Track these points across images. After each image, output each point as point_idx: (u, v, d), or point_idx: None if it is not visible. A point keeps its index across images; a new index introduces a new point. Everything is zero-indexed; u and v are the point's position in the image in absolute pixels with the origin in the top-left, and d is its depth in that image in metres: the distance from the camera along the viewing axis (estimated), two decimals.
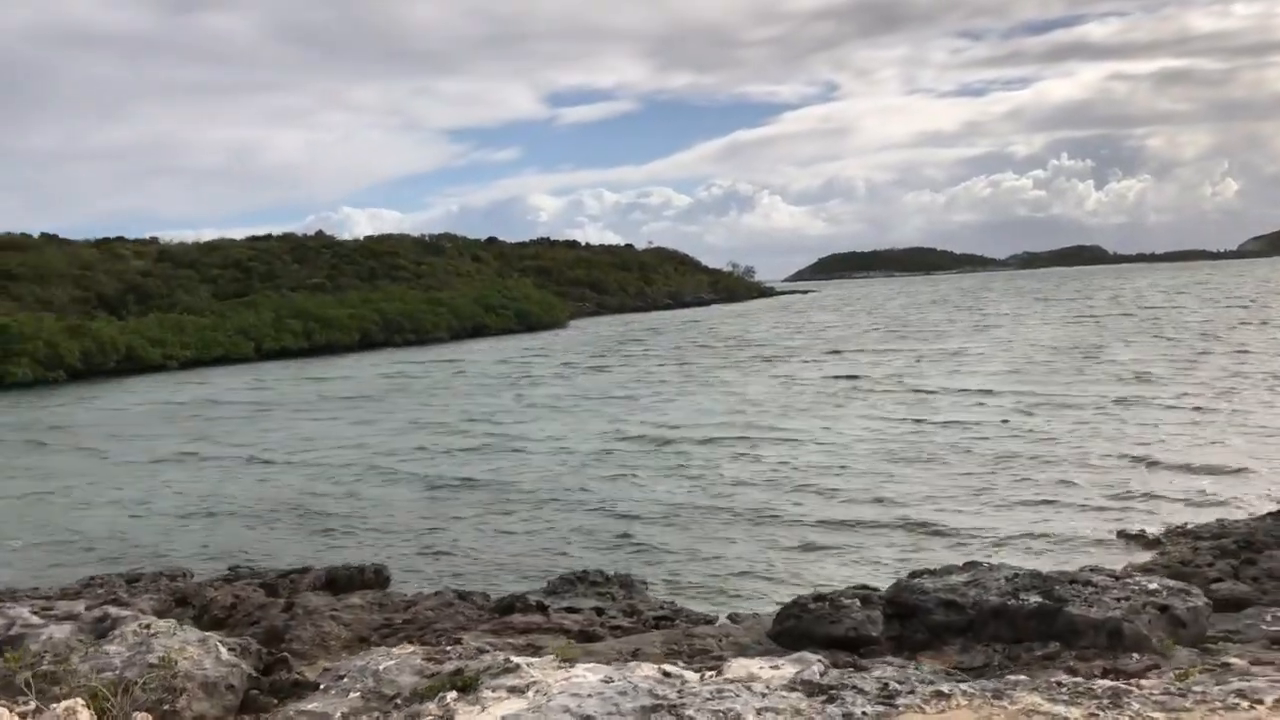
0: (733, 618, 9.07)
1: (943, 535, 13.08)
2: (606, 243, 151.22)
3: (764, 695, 5.67)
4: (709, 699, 5.62)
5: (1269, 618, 7.92)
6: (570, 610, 9.50)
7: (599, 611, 9.55)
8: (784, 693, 5.71)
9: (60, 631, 7.50)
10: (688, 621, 8.95)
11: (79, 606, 8.40)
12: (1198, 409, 22.24)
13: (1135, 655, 7.02)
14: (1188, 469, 15.91)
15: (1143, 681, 5.91)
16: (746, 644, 8.03)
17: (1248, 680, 5.78)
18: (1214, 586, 8.93)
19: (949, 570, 8.63)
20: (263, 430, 28.31)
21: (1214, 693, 5.50)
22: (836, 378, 33.85)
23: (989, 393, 27.09)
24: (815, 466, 18.50)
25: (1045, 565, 10.91)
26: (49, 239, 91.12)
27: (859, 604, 7.96)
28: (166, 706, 6.20)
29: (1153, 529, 12.11)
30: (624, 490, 17.31)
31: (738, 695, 5.63)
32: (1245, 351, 34.73)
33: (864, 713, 5.47)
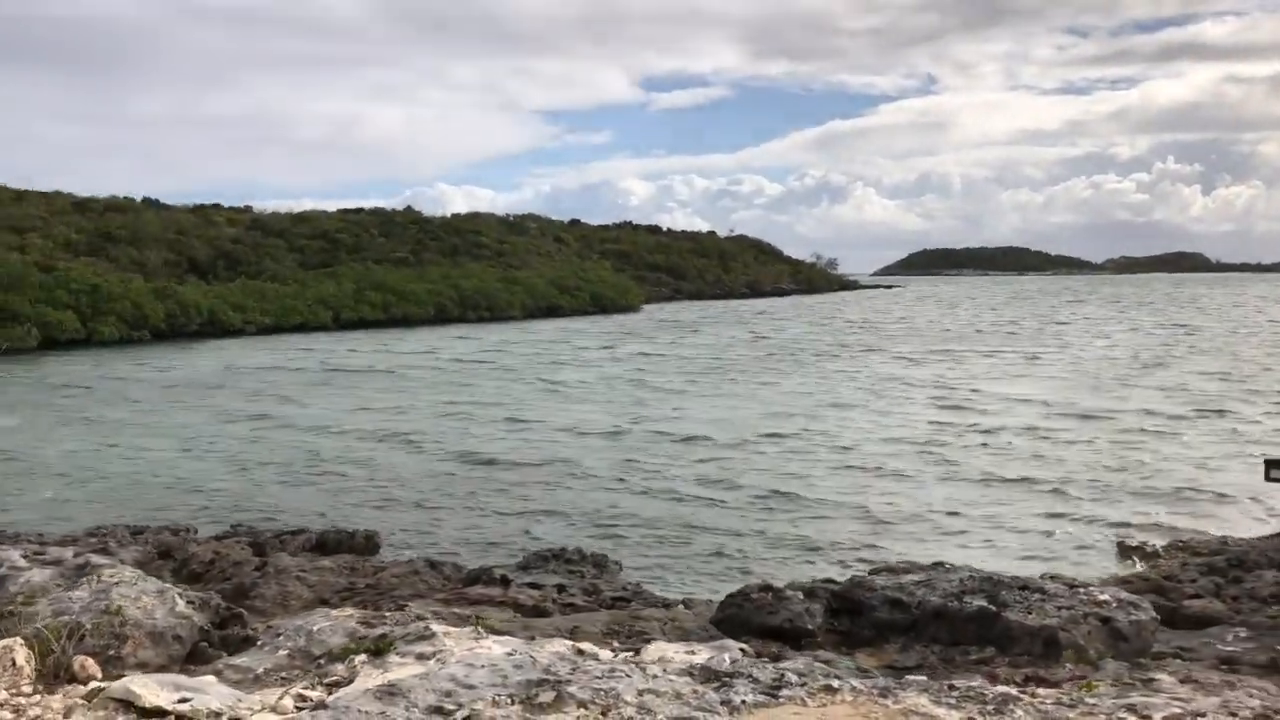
0: (686, 603, 9.18)
1: (941, 537, 12.98)
2: (694, 228, 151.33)
3: (655, 678, 5.79)
4: (599, 678, 5.76)
5: (1230, 637, 7.78)
6: (533, 586, 9.71)
7: (561, 589, 9.74)
8: (673, 676, 5.82)
9: (40, 575, 7.92)
10: (644, 604, 9.08)
11: (67, 553, 8.81)
12: (1234, 430, 21.61)
13: (1068, 665, 6.97)
14: (1211, 487, 15.52)
15: (1040, 690, 5.87)
16: (690, 629, 8.15)
17: (1150, 696, 5.72)
18: (1186, 603, 8.78)
19: (908, 569, 8.63)
20: (323, 398, 29.13)
21: (1105, 705, 5.46)
22: (883, 379, 33.40)
23: (1030, 401, 26.50)
24: (824, 463, 18.43)
25: (1034, 571, 10.80)
26: (149, 203, 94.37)
27: (801, 596, 8.02)
28: (112, 652, 6.54)
29: (1157, 542, 11.86)
30: (632, 475, 17.47)
31: (627, 676, 5.76)
32: None
33: (743, 701, 5.56)
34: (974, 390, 28.84)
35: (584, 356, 42.12)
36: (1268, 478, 8.06)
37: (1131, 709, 5.55)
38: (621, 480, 17.02)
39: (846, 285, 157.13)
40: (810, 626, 7.73)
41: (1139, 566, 10.67)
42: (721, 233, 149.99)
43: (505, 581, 9.79)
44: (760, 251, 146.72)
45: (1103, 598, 7.59)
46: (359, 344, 49.14)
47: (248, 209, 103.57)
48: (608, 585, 10.16)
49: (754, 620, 7.86)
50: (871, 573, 8.77)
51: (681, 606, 8.75)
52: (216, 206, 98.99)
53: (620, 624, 8.02)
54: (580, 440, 21.44)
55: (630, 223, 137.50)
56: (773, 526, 13.88)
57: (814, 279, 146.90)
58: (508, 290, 72.17)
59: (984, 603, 7.49)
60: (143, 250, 74.78)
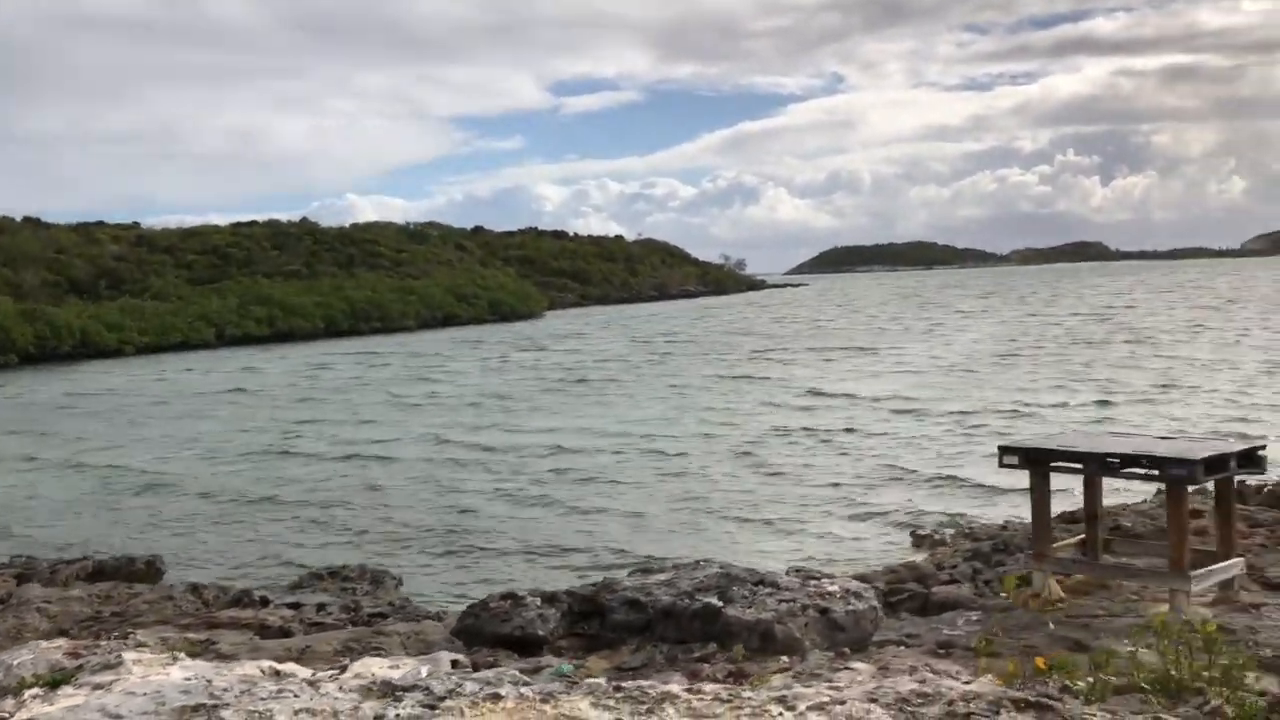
0: (439, 615, 8.95)
1: (746, 535, 12.95)
2: (610, 232, 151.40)
3: (324, 696, 5.52)
4: (264, 699, 5.46)
5: (960, 622, 7.76)
6: (292, 606, 9.37)
7: (321, 607, 9.42)
8: (344, 694, 5.56)
9: None
10: (404, 618, 8.82)
11: None
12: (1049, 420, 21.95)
13: (784, 658, 6.90)
14: (1015, 480, 15.70)
15: (706, 686, 5.77)
16: (434, 641, 7.88)
17: (807, 687, 5.65)
18: (936, 589, 8.78)
19: (660, 568, 8.49)
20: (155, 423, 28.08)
21: (759, 699, 5.34)
22: (736, 378, 33.12)
23: (869, 398, 26.40)
24: (642, 468, 18.17)
25: (816, 563, 10.79)
26: (29, 221, 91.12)
27: (539, 603, 7.81)
28: None
29: (949, 530, 11.95)
30: (437, 491, 17.06)
31: (295, 696, 5.47)
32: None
33: (397, 715, 5.33)
34: (818, 391, 28.41)
35: (450, 368, 41.32)
36: (1001, 464, 8.09)
37: (781, 700, 5.45)
38: (424, 497, 16.56)
39: (754, 285, 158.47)
40: (542, 633, 7.53)
41: (923, 555, 10.72)
42: (635, 236, 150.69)
43: (264, 603, 9.44)
44: (668, 254, 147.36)
45: (830, 589, 7.51)
46: (212, 362, 47.65)
47: (135, 225, 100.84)
48: (373, 602, 9.85)
49: (487, 629, 7.65)
50: (630, 573, 8.63)
51: (433, 620, 8.52)
52: (101, 224, 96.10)
53: (359, 641, 7.73)
54: (391, 455, 20.69)
55: (535, 228, 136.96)
56: (571, 534, 13.62)
57: (722, 280, 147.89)
58: (401, 300, 71.23)
59: (711, 599, 7.38)
60: (19, 271, 72.24)
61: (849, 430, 21.28)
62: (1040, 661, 5.34)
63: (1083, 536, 8.82)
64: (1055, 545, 8.79)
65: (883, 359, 38.33)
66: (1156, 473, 7.53)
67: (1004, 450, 8.25)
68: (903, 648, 7.20)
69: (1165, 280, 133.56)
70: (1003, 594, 8.11)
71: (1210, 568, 7.65)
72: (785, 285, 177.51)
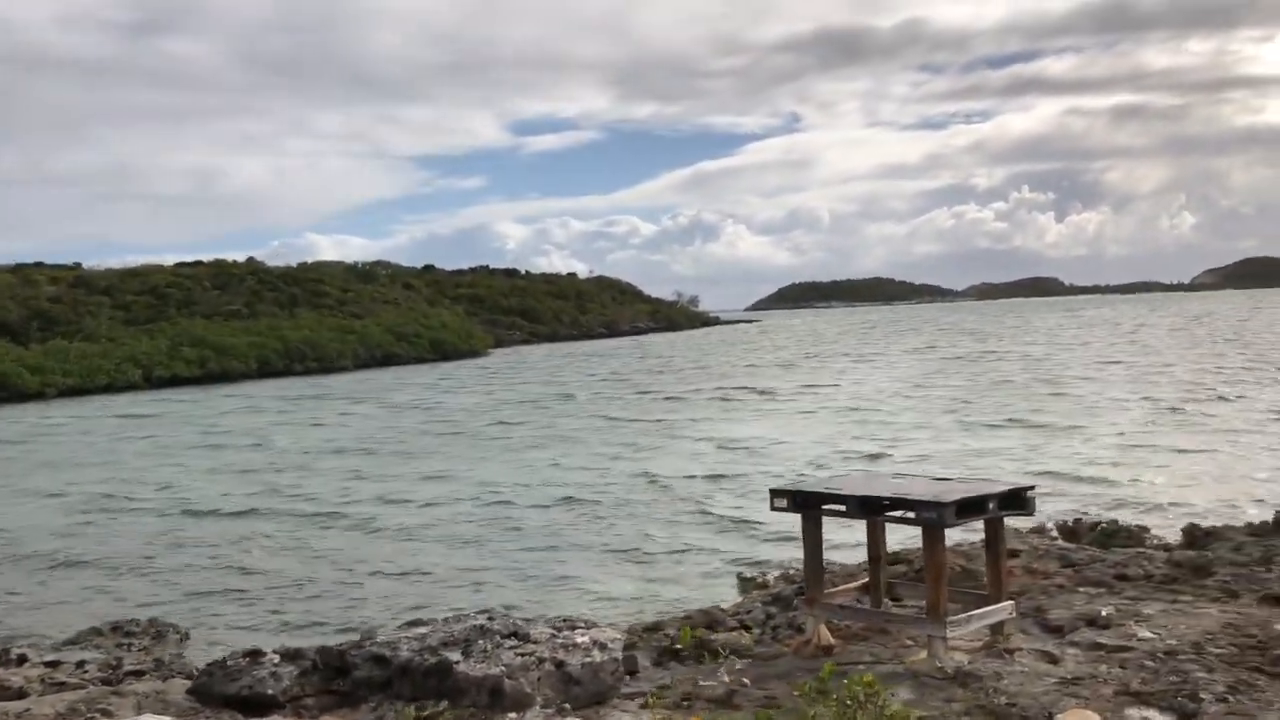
0: (192, 674, 8.58)
1: (570, 585, 12.62)
2: (574, 270, 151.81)
3: None
4: None
5: (721, 671, 7.51)
6: (51, 664, 8.97)
7: (80, 664, 9.02)
8: None
9: None
10: (160, 677, 8.44)
11: None
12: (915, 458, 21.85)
13: (512, 715, 6.63)
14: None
15: None
16: (172, 701, 7.54)
17: None
18: (714, 636, 8.54)
19: (428, 621, 8.20)
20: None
21: None
22: (624, 419, 32.50)
23: (747, 441, 25.93)
24: (489, 517, 17.65)
25: (639, 617, 10.57)
26: None
27: (277, 659, 7.48)
28: None
29: (772, 573, 11.73)
30: (246, 547, 16.54)
31: None
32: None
33: None
34: (697, 435, 27.78)
35: (346, 411, 40.03)
36: (772, 507, 7.90)
37: None
38: (244, 548, 15.82)
39: (708, 322, 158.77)
40: (272, 692, 7.20)
41: (731, 600, 10.48)
42: (597, 273, 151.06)
43: (21, 661, 9.03)
44: (619, 291, 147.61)
45: (579, 640, 7.25)
46: (124, 406, 46.56)
47: (76, 266, 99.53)
48: (139, 658, 9.44)
49: (216, 689, 7.30)
50: (399, 626, 8.33)
51: (183, 679, 8.15)
52: (39, 265, 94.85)
53: (90, 702, 7.34)
54: (221, 507, 19.80)
55: (487, 267, 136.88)
56: (386, 584, 13.21)
57: (674, 317, 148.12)
58: (339, 340, 70.45)
59: (449, 654, 7.10)
60: None
61: (713, 477, 20.58)
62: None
63: (865, 580, 8.65)
64: (837, 589, 8.61)
65: (779, 399, 37.94)
66: (913, 515, 7.37)
67: (774, 493, 8.05)
68: (633, 701, 6.96)
69: (1111, 314, 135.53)
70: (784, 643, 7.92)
71: (972, 613, 7.48)
72: (739, 322, 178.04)
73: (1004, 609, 7.66)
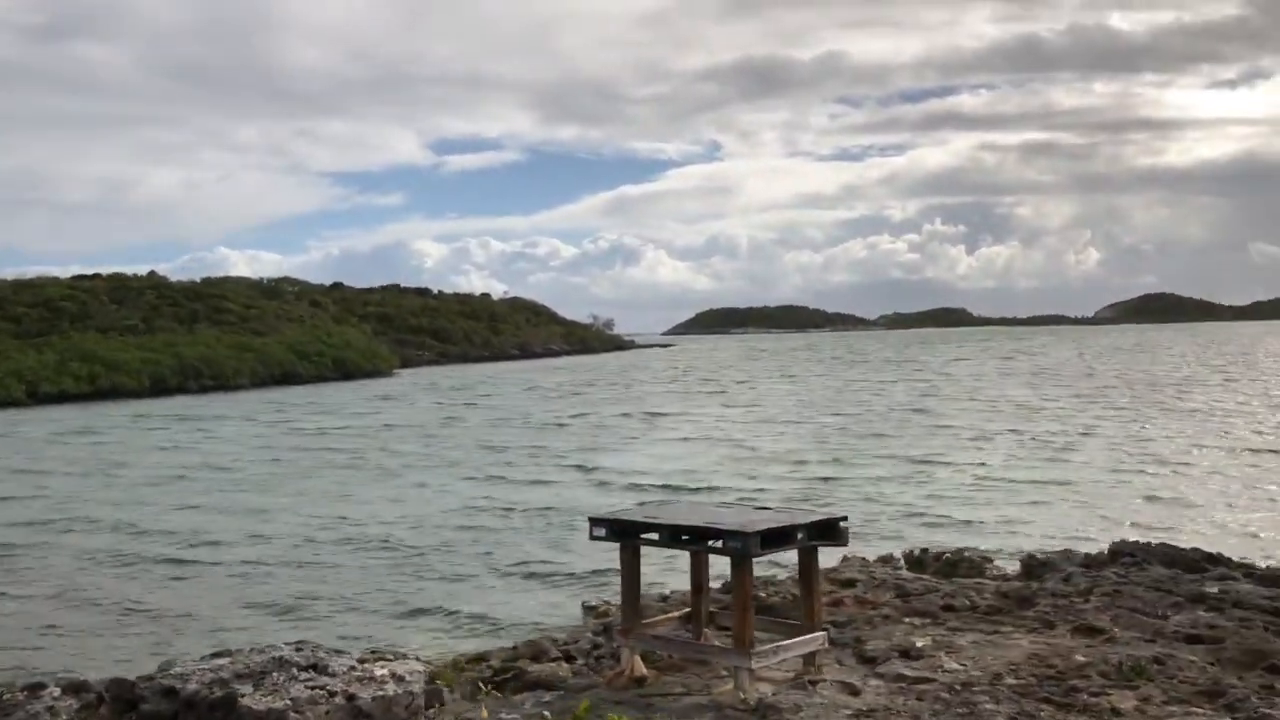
0: None
1: (403, 617, 12.40)
2: (493, 291, 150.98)
3: None
4: None
5: (529, 704, 7.37)
6: None
7: None
8: None
9: None
10: None
11: None
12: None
13: None
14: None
15: None
16: None
17: None
18: (532, 668, 8.41)
19: (231, 652, 7.91)
20: None
21: None
22: (498, 447, 31.90)
23: (616, 470, 25.76)
24: (334, 549, 17.05)
25: (473, 647, 10.40)
26: None
27: (57, 693, 7.17)
28: None
29: (613, 601, 11.64)
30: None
31: None
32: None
33: None
34: (560, 463, 27.62)
35: (216, 434, 38.54)
36: (591, 536, 7.80)
37: None
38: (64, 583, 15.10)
39: (622, 345, 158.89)
40: None
41: (570, 629, 10.36)
42: (515, 294, 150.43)
43: None
44: (534, 313, 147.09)
45: (379, 673, 7.09)
46: None
47: None
48: None
49: None
50: (202, 658, 8.03)
51: None
52: None
53: None
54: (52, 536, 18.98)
55: (398, 285, 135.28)
56: (209, 617, 12.82)
57: (588, 340, 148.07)
58: (237, 357, 68.80)
59: (236, 687, 6.86)
60: None
61: (572, 505, 20.20)
62: None
63: (688, 610, 8.59)
64: (658, 619, 8.54)
65: (655, 426, 37.98)
66: (721, 545, 7.33)
67: (593, 521, 7.97)
68: None
69: (1012, 346, 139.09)
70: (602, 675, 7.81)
71: (780, 643, 7.46)
72: (653, 346, 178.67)
73: (815, 639, 7.66)
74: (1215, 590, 9.49)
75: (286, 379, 70.17)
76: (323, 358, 75.86)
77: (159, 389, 61.82)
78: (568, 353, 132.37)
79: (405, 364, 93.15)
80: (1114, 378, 62.57)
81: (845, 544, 7.92)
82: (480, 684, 8.07)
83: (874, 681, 7.33)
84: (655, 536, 7.70)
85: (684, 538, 7.57)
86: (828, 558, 13.31)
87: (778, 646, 7.42)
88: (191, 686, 6.97)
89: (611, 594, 12.79)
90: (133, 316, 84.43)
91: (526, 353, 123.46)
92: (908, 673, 7.42)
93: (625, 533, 7.80)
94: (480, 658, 8.93)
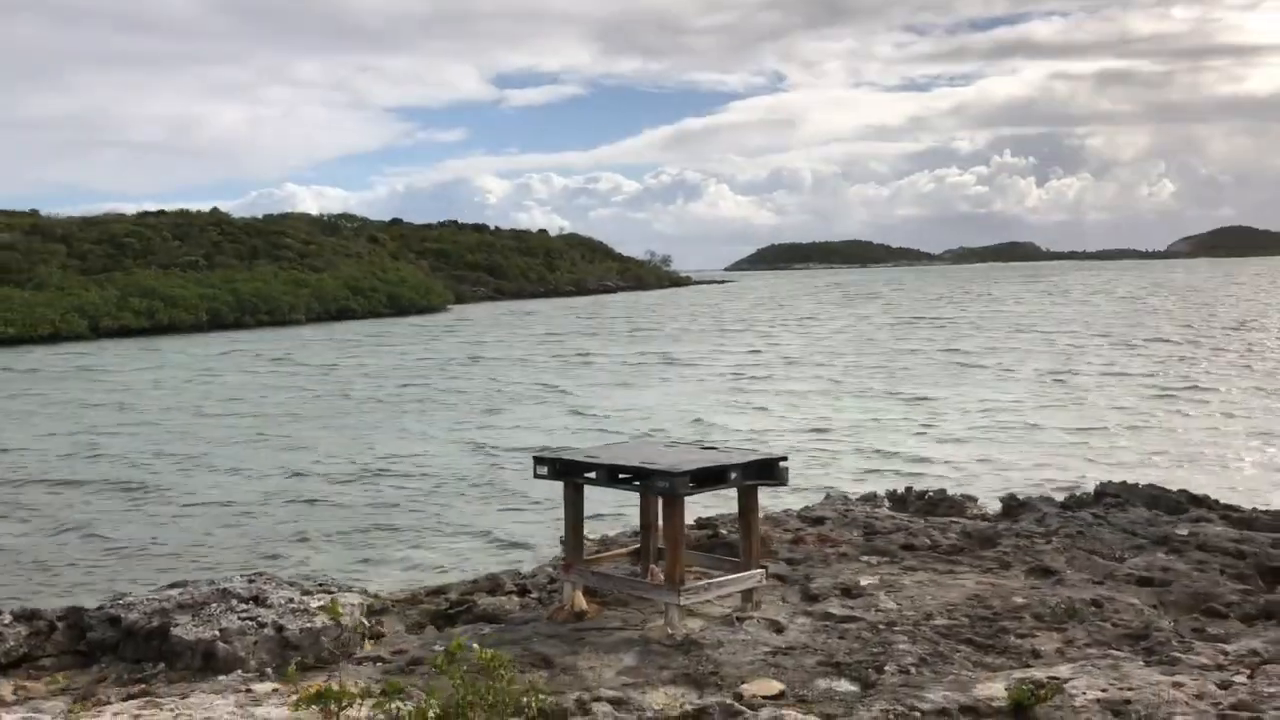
0: None
1: (376, 551, 12.61)
2: (554, 227, 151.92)
3: None
4: None
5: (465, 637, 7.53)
6: None
7: None
8: None
9: None
10: None
11: None
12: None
13: (222, 677, 6.63)
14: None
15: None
16: None
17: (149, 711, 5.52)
18: (482, 600, 8.56)
19: (183, 584, 8.17)
20: None
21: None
22: (511, 384, 32.22)
23: (631, 410, 25.58)
24: (333, 489, 17.19)
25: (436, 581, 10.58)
26: None
27: (8, 620, 7.47)
28: None
29: (593, 539, 11.73)
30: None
31: None
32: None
33: None
34: (578, 408, 27.09)
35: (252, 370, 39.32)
36: (535, 474, 7.89)
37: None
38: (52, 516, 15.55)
39: (677, 282, 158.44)
40: None
41: (534, 566, 10.50)
42: (575, 230, 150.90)
43: None
44: (590, 249, 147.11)
45: (311, 605, 7.28)
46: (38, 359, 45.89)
47: (34, 213, 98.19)
48: None
49: None
50: (157, 589, 8.30)
51: None
52: None
53: None
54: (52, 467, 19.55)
55: (455, 221, 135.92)
56: (190, 550, 13.12)
57: (644, 276, 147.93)
58: (293, 293, 69.93)
59: (174, 617, 7.09)
60: None
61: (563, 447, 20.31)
62: (315, 687, 5.14)
63: (635, 547, 8.67)
64: (604, 555, 8.63)
65: (680, 365, 37.77)
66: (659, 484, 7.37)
67: (537, 460, 8.05)
68: (359, 667, 6.97)
69: (1077, 281, 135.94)
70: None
71: (712, 580, 7.52)
72: (710, 282, 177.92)
73: (751, 577, 7.69)
74: (1184, 533, 9.32)
75: (341, 314, 71.26)
76: (377, 294, 76.80)
77: (216, 324, 63.18)
78: (622, 289, 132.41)
79: (459, 300, 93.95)
80: (1166, 317, 60.89)
81: (784, 483, 7.89)
82: (440, 615, 8.24)
83: (801, 619, 7.37)
84: (594, 475, 7.76)
85: (621, 477, 7.61)
86: (808, 497, 13.35)
87: (710, 584, 7.48)
88: (133, 616, 7.22)
89: (604, 531, 12.95)
90: (194, 253, 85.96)
91: (580, 289, 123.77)
92: (836, 611, 7.44)
93: (566, 471, 7.87)
94: (440, 590, 9.10)
